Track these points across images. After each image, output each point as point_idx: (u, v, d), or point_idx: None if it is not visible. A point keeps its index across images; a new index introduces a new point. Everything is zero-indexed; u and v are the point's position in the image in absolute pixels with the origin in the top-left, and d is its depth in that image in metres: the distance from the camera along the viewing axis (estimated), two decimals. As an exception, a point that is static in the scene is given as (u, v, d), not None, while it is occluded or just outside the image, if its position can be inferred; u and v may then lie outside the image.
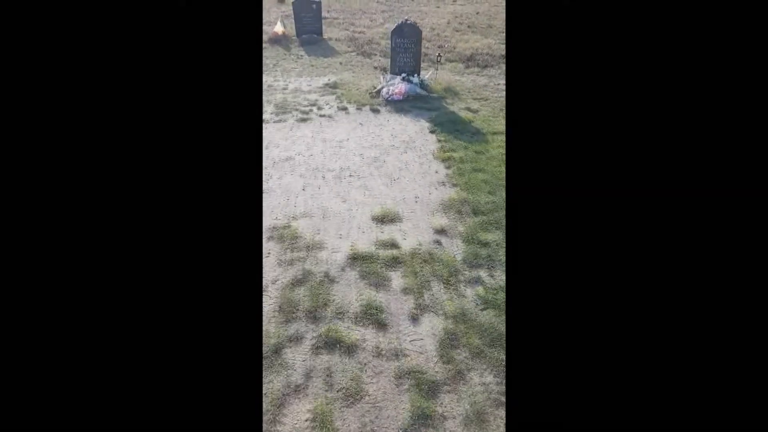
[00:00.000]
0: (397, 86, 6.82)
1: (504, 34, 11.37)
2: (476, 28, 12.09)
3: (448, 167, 4.95)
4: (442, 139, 5.63)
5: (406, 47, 6.99)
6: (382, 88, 6.95)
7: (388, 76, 7.13)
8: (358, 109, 6.60)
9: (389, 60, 8.47)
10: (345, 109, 6.60)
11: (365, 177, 4.76)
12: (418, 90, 6.86)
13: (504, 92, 7.08)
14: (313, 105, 6.71)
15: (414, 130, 5.94)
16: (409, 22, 6.91)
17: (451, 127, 5.96)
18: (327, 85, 7.55)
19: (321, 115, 6.36)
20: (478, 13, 14.25)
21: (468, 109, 6.60)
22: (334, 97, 7.05)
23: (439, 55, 7.18)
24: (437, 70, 7.37)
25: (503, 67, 8.40)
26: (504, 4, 15.47)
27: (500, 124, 6.02)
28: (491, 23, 12.80)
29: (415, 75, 6.99)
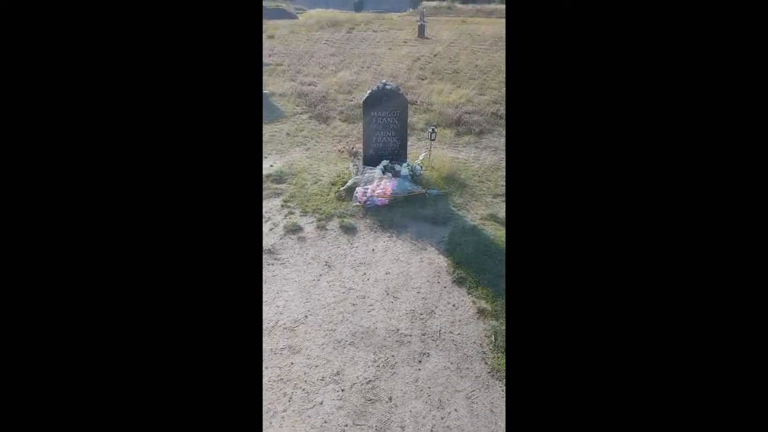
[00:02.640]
0: (380, 183, 4.01)
1: (478, 81, 8.97)
2: (442, 74, 9.56)
3: None
4: (486, 304, 2.81)
5: (387, 122, 4.18)
6: (355, 184, 4.12)
7: (362, 166, 4.31)
8: (319, 227, 3.70)
9: (354, 127, 5.68)
10: (298, 229, 3.67)
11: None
12: (410, 187, 4.09)
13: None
14: (246, 223, 3.76)
15: (423, 275, 3.13)
16: (388, 86, 4.13)
17: (488, 267, 3.15)
18: (269, 176, 4.60)
19: (259, 248, 3.43)
20: (435, 55, 11.78)
21: (494, 218, 3.85)
22: (279, 201, 4.10)
23: (432, 131, 4.45)
24: (431, 150, 4.62)
25: (503, 131, 5.83)
26: (460, 43, 13.24)
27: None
28: (455, 67, 10.32)
29: (404, 163, 4.22)
